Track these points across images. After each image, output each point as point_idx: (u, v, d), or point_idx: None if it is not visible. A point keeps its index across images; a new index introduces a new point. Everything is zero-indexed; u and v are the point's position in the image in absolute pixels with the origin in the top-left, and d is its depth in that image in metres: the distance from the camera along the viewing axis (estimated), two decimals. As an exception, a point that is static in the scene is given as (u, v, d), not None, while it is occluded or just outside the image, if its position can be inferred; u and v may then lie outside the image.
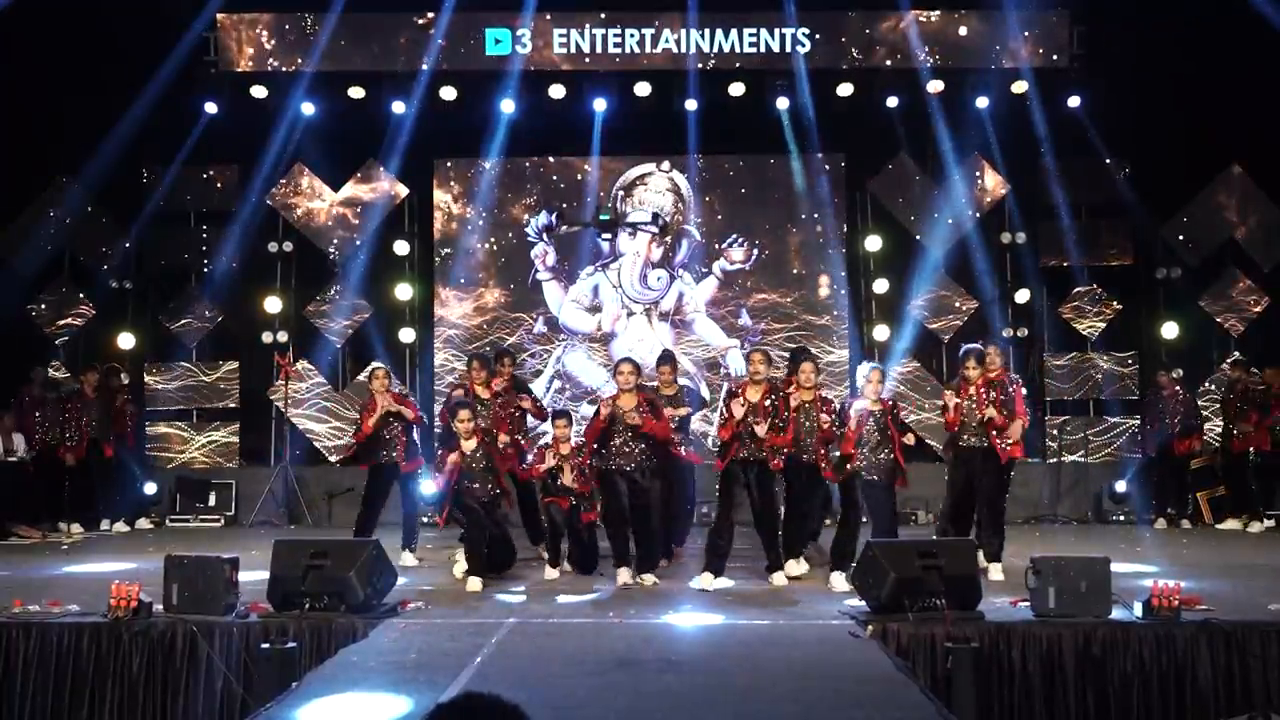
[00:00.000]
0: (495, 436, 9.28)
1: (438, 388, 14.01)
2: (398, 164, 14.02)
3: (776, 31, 13.49)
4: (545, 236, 14.30)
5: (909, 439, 8.71)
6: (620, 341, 14.08)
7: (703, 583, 8.43)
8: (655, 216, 13.70)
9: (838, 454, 8.70)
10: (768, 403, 8.52)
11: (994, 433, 8.84)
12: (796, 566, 8.90)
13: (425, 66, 13.47)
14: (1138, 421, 13.55)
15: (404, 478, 9.90)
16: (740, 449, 8.53)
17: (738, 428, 8.47)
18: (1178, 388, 12.89)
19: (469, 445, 8.86)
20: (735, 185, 14.41)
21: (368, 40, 13.57)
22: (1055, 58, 13.55)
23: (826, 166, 14.33)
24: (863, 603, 7.30)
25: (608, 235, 13.75)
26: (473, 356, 10.46)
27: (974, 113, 13.74)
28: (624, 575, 8.38)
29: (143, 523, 12.96)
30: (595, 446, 8.70)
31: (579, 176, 14.40)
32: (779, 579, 8.50)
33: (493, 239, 14.36)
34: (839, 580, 8.39)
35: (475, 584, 8.53)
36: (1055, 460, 13.61)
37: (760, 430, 8.40)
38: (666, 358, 9.89)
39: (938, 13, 13.59)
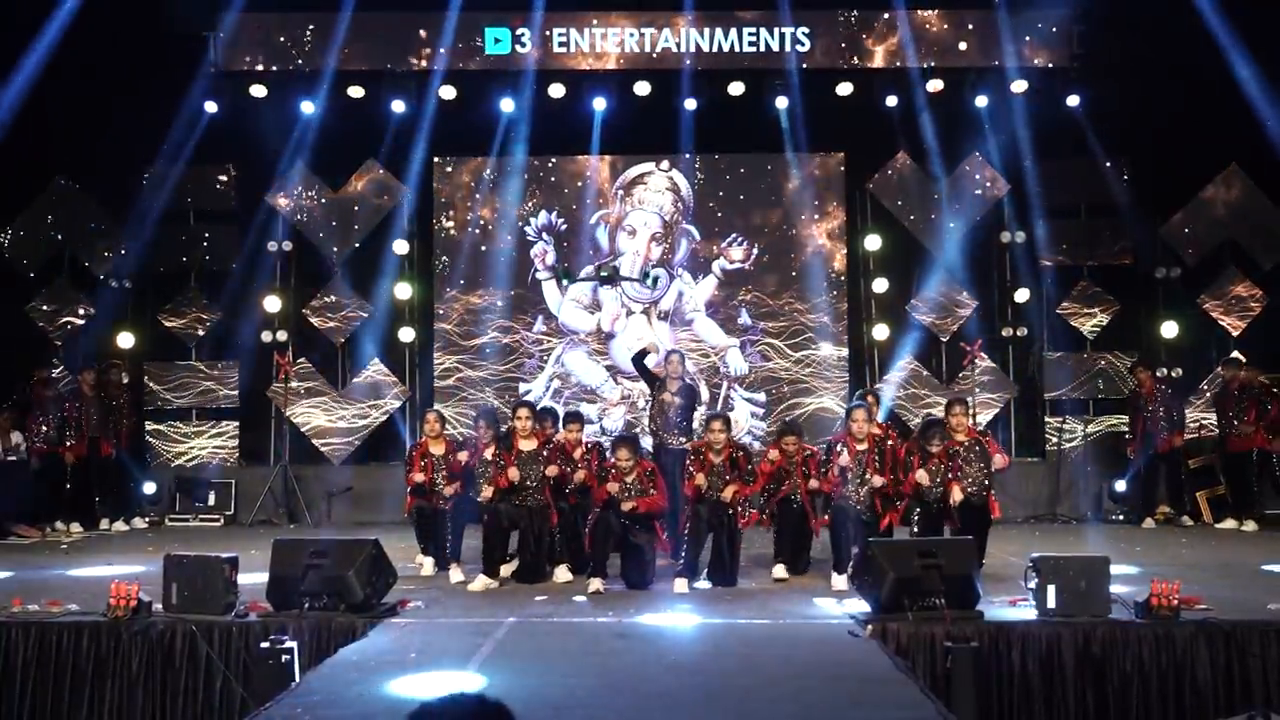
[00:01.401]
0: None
1: (439, 386, 14.02)
2: (397, 163, 14.02)
3: (775, 31, 13.50)
4: (544, 235, 14.29)
5: (922, 476, 8.72)
6: (620, 341, 14.07)
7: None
8: (646, 274, 13.79)
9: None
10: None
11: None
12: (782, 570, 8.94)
13: (425, 66, 13.48)
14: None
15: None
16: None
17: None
18: (1160, 385, 12.87)
19: (527, 445, 8.86)
20: (735, 184, 14.40)
21: (368, 39, 13.56)
22: (1054, 57, 13.55)
23: (826, 166, 14.33)
24: (862, 602, 7.30)
25: (608, 286, 13.86)
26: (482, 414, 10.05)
27: (973, 112, 13.73)
28: (595, 584, 8.37)
29: (141, 522, 12.95)
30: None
31: (579, 176, 14.40)
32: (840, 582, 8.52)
33: (492, 238, 14.35)
34: (839, 580, 8.42)
35: (482, 584, 8.52)
36: (1054, 460, 13.60)
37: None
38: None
39: (936, 12, 13.60)
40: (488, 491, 8.76)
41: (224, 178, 14.18)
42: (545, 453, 8.88)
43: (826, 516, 8.93)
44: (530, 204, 14.39)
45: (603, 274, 13.08)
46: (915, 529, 8.84)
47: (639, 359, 10.46)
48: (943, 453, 8.90)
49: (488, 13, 13.46)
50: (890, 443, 8.92)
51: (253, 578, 7.56)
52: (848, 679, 5.73)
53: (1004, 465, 9.04)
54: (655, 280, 13.95)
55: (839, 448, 8.82)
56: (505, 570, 8.93)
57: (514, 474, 8.65)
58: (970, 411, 9.42)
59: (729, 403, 13.90)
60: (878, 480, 8.64)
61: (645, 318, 14.21)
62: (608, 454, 9.13)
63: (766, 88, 13.57)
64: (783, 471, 9.03)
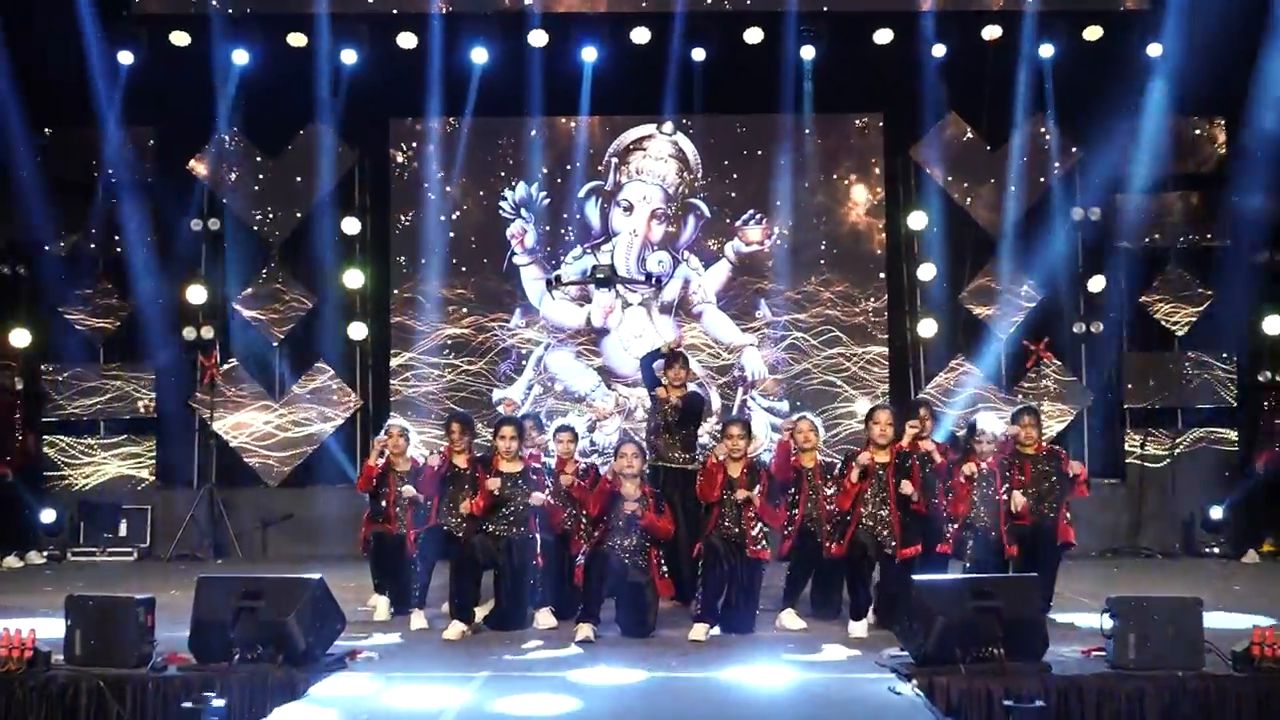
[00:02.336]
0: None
1: (394, 385, 14.02)
2: (347, 126, 14.02)
3: (802, -34, 13.53)
4: (523, 212, 14.29)
5: (1017, 500, 8.74)
6: (613, 338, 14.07)
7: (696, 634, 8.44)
8: (648, 275, 13.77)
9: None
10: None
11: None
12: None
13: (381, 8, 13.46)
14: (1236, 435, 13.54)
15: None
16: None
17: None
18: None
19: (512, 467, 8.85)
20: (752, 151, 14.40)
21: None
22: (1135, -1, 13.59)
23: (861, 129, 14.33)
24: (904, 652, 7.29)
25: (604, 290, 13.83)
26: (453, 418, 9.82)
27: (1038, 64, 13.73)
28: (584, 631, 8.35)
29: (38, 557, 12.92)
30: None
31: (565, 141, 14.39)
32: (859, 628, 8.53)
33: (461, 215, 14.34)
34: (858, 628, 8.43)
35: (454, 632, 8.49)
36: (1136, 481, 13.59)
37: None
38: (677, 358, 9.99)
39: (995, -56, 13.63)
40: (465, 505, 8.75)
41: (139, 142, 14.15)
42: (534, 476, 8.87)
43: (840, 545, 8.84)
44: (506, 175, 14.38)
45: (598, 276, 13.08)
46: (969, 563, 8.83)
47: (650, 360, 10.37)
48: (994, 461, 8.90)
49: (456, -55, 13.52)
50: (930, 456, 8.87)
51: (173, 623, 7.54)
52: (888, 745, 5.72)
53: (1083, 483, 9.02)
54: (661, 280, 13.97)
55: (857, 460, 8.76)
56: (478, 613, 8.92)
57: (494, 483, 8.63)
58: (1041, 423, 9.41)
59: (744, 412, 13.90)
60: (907, 487, 8.60)
61: (645, 311, 14.21)
62: (605, 473, 9.09)
63: (790, 34, 13.57)
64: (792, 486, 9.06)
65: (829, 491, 8.95)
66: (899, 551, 8.61)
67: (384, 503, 9.43)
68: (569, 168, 14.32)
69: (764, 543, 8.71)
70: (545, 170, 14.35)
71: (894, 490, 8.63)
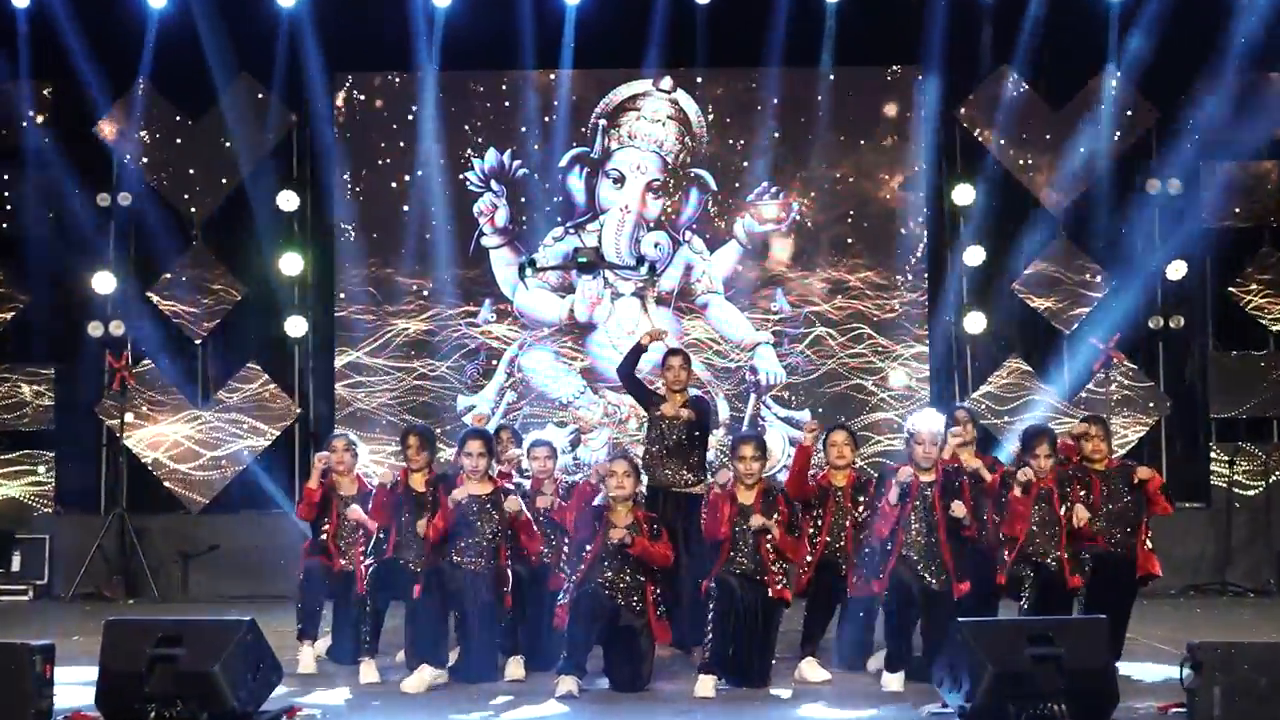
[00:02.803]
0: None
1: (339, 391, 14.03)
2: (284, 81, 14.06)
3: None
4: (494, 184, 14.30)
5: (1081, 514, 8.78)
6: (600, 336, 14.09)
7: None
8: (641, 260, 13.78)
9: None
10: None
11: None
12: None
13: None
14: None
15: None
16: None
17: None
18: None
19: (481, 489, 8.85)
20: (766, 113, 14.42)
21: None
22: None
23: (898, 86, 14.36)
24: (948, 708, 7.31)
25: (589, 276, 13.83)
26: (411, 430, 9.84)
27: (1107, 9, 13.77)
28: (567, 684, 8.34)
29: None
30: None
31: (543, 100, 14.41)
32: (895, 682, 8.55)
33: (419, 188, 14.35)
34: (893, 680, 8.43)
35: (416, 682, 8.47)
36: (1223, 505, 13.63)
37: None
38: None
39: None
40: (422, 525, 8.75)
41: (36, 101, 14.15)
42: (504, 498, 8.86)
43: (880, 581, 8.85)
44: (474, 140, 14.41)
45: (581, 261, 13.13)
46: (1025, 603, 8.84)
47: (631, 363, 10.34)
48: (1050, 477, 8.93)
49: None
50: (979, 473, 8.89)
51: (76, 674, 7.54)
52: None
53: (1159, 493, 9.04)
54: (654, 266, 13.97)
55: (897, 478, 8.77)
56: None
57: (460, 494, 8.63)
58: (1111, 435, 9.44)
59: (758, 423, 13.90)
60: (959, 509, 8.60)
61: (639, 303, 14.22)
62: (585, 479, 9.11)
63: (812, -28, 13.65)
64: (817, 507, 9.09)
65: (860, 516, 8.95)
66: (955, 588, 8.62)
67: (324, 534, 9.42)
68: (549, 132, 14.33)
69: (785, 580, 8.73)
70: (520, 135, 14.36)
71: (943, 515, 8.64)
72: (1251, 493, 13.79)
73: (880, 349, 14.11)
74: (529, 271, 13.83)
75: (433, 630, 8.69)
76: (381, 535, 9.17)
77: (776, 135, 14.40)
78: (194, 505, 13.93)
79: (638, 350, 10.18)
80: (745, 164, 14.41)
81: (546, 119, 14.37)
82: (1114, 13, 13.77)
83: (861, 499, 9.05)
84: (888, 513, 8.64)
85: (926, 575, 8.61)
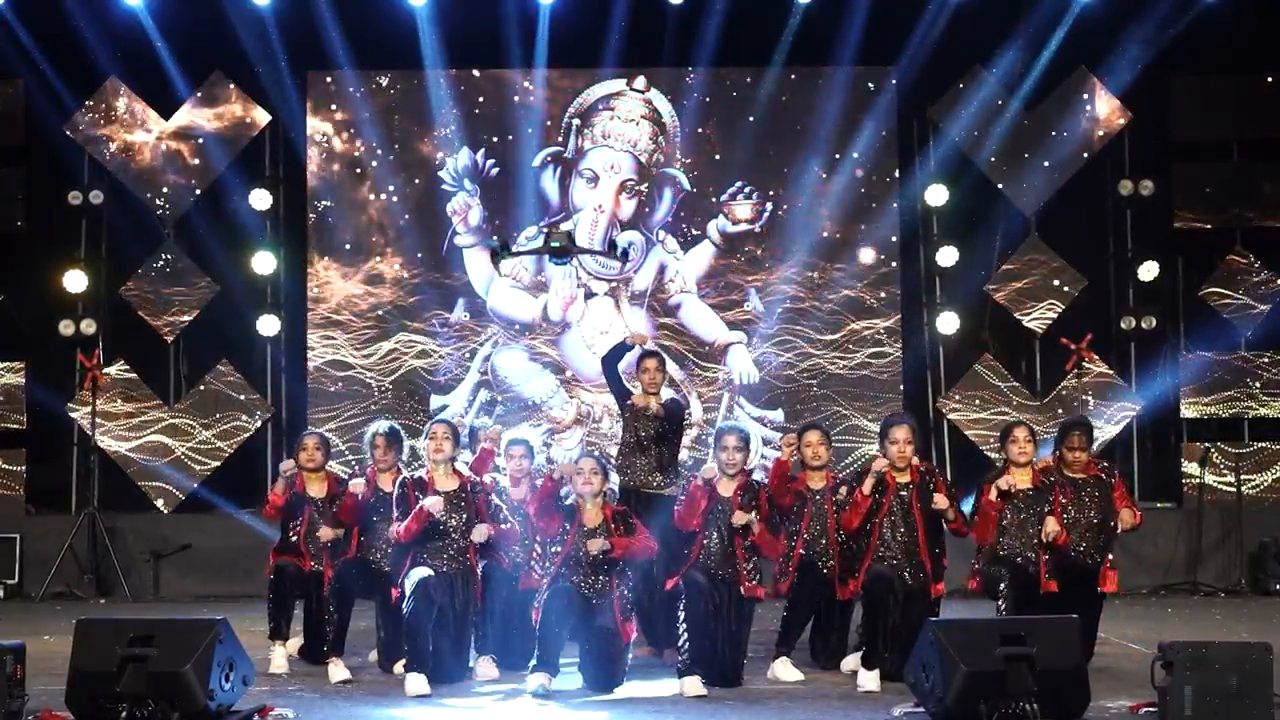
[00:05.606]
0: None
1: (317, 399, 14.02)
2: (257, 80, 14.05)
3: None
4: (467, 183, 14.28)
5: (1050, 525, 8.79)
6: (574, 335, 14.08)
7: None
8: (614, 245, 13.75)
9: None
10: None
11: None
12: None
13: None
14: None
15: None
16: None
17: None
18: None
19: (448, 484, 8.82)
20: (741, 112, 14.44)
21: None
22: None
23: (871, 86, 14.38)
24: (920, 709, 7.32)
25: (561, 260, 13.77)
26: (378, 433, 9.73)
27: (1079, 9, 13.80)
28: (539, 679, 8.32)
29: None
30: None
31: (516, 98, 14.40)
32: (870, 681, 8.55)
33: (392, 187, 14.34)
34: (868, 679, 8.45)
35: (417, 684, 8.43)
36: (1195, 506, 13.68)
37: None
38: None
39: None
40: (397, 528, 8.71)
41: (6, 98, 14.10)
42: (476, 495, 8.84)
43: (855, 581, 8.87)
44: (448, 139, 14.39)
45: (553, 244, 13.03)
46: (1003, 603, 8.85)
47: (614, 358, 10.32)
48: (1035, 479, 8.95)
49: None
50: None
51: (47, 675, 7.52)
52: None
53: (1136, 522, 9.06)
54: (627, 252, 13.93)
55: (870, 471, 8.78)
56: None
57: (435, 503, 8.59)
58: (1091, 441, 9.40)
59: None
60: (941, 501, 8.63)
61: (612, 301, 14.22)
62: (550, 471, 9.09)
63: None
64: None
65: (838, 512, 8.94)
66: (932, 587, 8.66)
67: (294, 535, 9.40)
68: (522, 131, 14.33)
69: (758, 577, 8.72)
70: (493, 134, 14.36)
71: (919, 513, 8.67)
72: (1222, 492, 13.82)
73: (853, 348, 14.14)
74: (502, 255, 13.78)
75: (425, 641, 8.65)
76: (343, 534, 9.19)
77: (750, 135, 14.42)
78: (165, 504, 13.89)
79: (623, 346, 10.20)
80: (719, 163, 14.42)
81: (520, 118, 14.37)
82: (1088, 10, 13.77)
83: (839, 499, 9.02)
84: (860, 501, 8.66)
85: (904, 573, 8.65)
